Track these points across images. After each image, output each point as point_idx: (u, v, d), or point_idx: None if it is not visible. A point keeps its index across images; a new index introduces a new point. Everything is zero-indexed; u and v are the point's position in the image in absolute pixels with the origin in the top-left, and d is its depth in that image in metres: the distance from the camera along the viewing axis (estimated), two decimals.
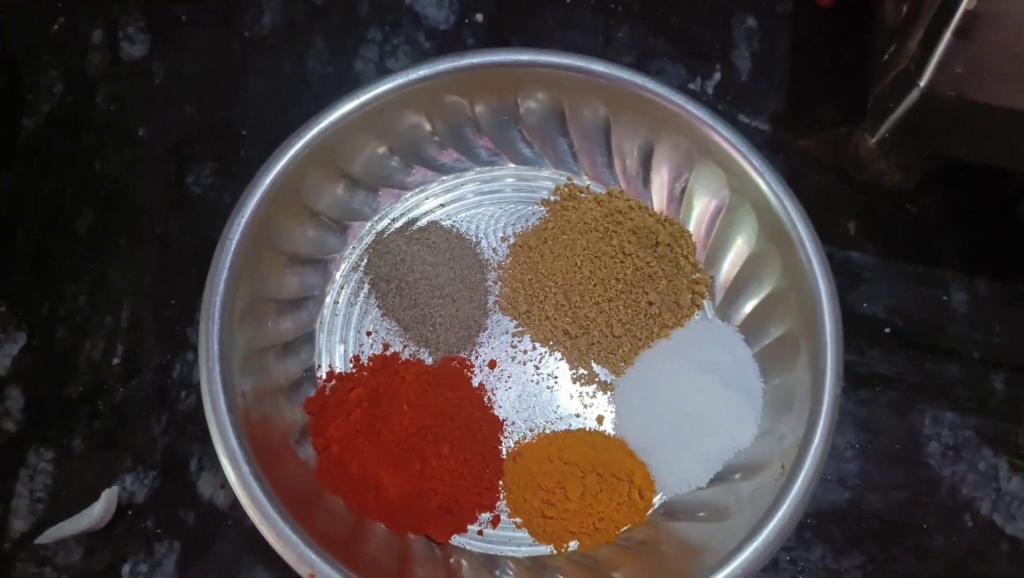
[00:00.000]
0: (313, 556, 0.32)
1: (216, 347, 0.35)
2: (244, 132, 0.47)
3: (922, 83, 0.36)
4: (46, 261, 0.43)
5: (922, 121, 0.38)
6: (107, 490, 0.37)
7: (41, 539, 0.37)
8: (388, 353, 0.40)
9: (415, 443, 0.37)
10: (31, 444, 0.39)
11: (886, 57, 0.39)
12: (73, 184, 0.45)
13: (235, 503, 0.38)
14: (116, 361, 0.41)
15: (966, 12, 0.33)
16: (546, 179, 0.45)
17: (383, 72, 0.45)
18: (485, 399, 0.40)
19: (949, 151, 0.40)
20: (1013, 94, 0.35)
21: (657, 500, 0.38)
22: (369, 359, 0.40)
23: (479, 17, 0.50)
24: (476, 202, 0.44)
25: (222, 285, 0.36)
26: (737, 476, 0.37)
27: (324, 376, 0.40)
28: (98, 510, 0.37)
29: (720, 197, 0.42)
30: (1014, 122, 0.36)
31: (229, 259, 0.36)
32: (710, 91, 0.49)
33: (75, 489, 0.39)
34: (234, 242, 0.37)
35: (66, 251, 0.44)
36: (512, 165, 0.45)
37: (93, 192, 0.45)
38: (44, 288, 0.43)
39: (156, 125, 0.47)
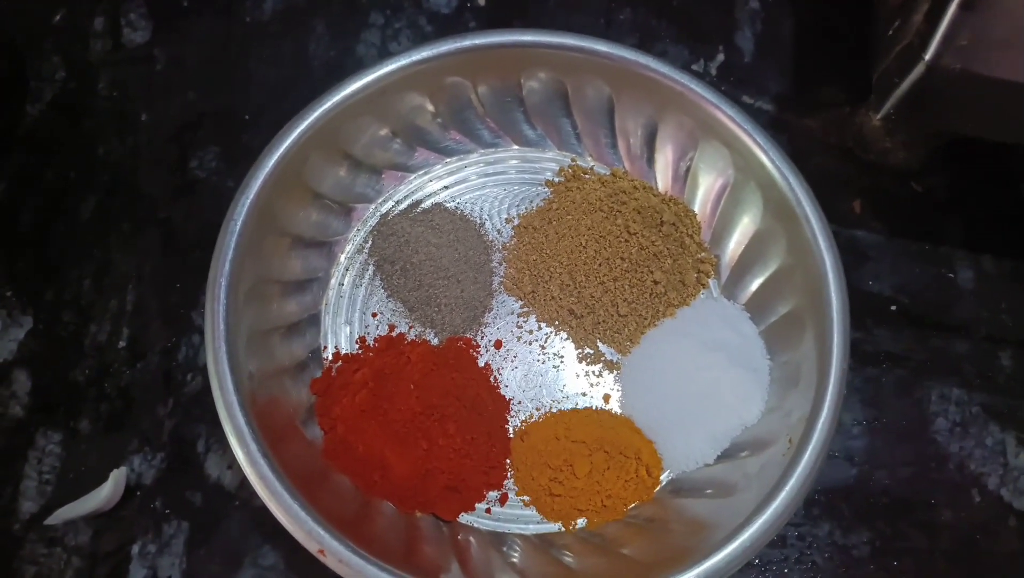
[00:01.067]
0: (322, 532, 0.32)
1: (222, 327, 0.35)
2: (246, 117, 0.47)
3: (927, 57, 0.36)
4: (50, 246, 0.43)
5: (927, 96, 0.38)
6: (115, 471, 0.38)
7: (50, 520, 0.37)
8: (394, 334, 0.40)
9: (421, 423, 0.37)
10: (39, 427, 0.40)
11: (890, 32, 0.39)
12: (76, 170, 0.45)
13: (242, 483, 0.38)
14: (122, 344, 0.41)
15: None
16: (550, 160, 0.45)
17: (385, 56, 0.44)
18: (491, 379, 0.40)
19: (954, 127, 0.40)
20: (1020, 67, 0.35)
21: (664, 477, 0.38)
22: (375, 340, 0.40)
23: (481, 0, 0.50)
24: (480, 184, 0.44)
25: (227, 266, 0.36)
26: (744, 453, 0.37)
27: (330, 357, 0.40)
28: (106, 491, 0.37)
29: (725, 176, 0.41)
30: (1021, 96, 0.36)
31: (234, 240, 0.36)
32: (713, 72, 0.49)
33: (83, 471, 0.39)
34: (238, 224, 0.37)
35: (70, 236, 0.44)
36: (516, 147, 0.45)
37: (96, 178, 0.45)
38: (49, 273, 0.43)
39: (158, 111, 0.47)
